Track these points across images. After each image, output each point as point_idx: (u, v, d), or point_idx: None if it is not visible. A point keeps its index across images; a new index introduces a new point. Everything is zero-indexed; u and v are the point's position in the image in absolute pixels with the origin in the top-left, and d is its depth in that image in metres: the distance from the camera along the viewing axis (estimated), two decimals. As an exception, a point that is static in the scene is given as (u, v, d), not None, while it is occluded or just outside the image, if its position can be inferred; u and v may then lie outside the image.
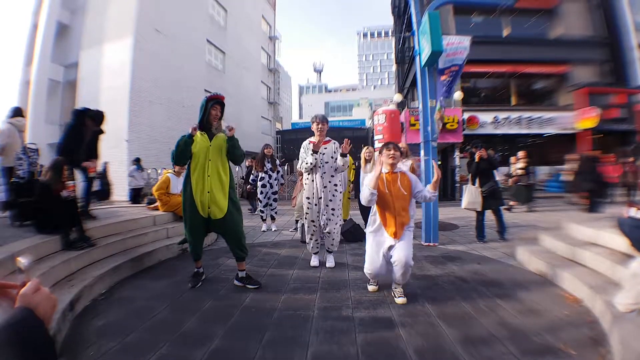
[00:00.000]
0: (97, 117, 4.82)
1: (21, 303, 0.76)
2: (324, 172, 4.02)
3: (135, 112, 15.08)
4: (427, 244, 5.36)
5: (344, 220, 6.57)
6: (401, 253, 2.93)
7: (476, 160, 5.49)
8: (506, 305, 2.87)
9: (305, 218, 4.19)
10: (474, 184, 5.61)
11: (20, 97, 17.40)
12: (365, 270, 3.24)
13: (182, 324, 2.62)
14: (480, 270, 3.96)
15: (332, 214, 4.06)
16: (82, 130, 4.65)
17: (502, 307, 2.85)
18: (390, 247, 3.03)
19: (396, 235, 3.02)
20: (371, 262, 3.14)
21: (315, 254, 4.32)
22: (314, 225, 4.14)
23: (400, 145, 5.90)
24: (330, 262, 4.23)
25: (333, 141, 4.13)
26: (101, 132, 4.97)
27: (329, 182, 4.04)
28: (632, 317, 2.22)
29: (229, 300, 3.13)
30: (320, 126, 4.02)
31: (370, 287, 3.37)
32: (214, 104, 3.37)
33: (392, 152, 3.16)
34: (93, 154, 4.89)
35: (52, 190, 3.69)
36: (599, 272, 3.17)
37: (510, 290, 3.26)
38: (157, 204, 5.87)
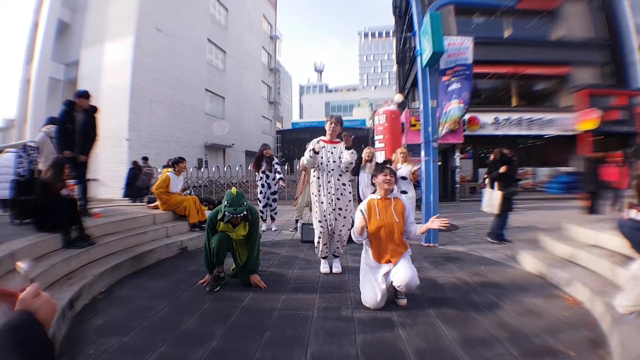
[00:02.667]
0: (83, 94, 4.91)
1: (21, 307, 0.75)
2: (332, 170, 3.93)
3: (135, 111, 15.09)
4: (427, 244, 5.36)
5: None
6: (404, 276, 2.74)
7: (501, 171, 5.47)
8: (506, 307, 2.86)
9: (314, 217, 4.06)
10: (492, 187, 5.65)
11: (20, 95, 17.39)
12: (364, 303, 2.94)
13: (182, 323, 2.62)
14: (480, 271, 3.96)
15: (339, 214, 3.92)
16: (74, 113, 4.79)
17: (501, 308, 2.84)
18: (387, 273, 2.87)
19: (391, 262, 2.90)
20: (371, 295, 2.87)
21: (324, 258, 4.05)
22: (321, 226, 3.93)
23: (399, 150, 5.95)
24: (336, 267, 4.00)
25: (343, 142, 4.00)
26: (95, 109, 5.04)
27: (338, 180, 3.94)
28: (632, 319, 2.22)
29: (229, 300, 3.13)
30: (333, 126, 3.98)
31: None
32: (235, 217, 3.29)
33: (388, 177, 3.03)
34: (92, 135, 5.00)
35: (52, 189, 3.69)
36: (599, 274, 3.17)
37: (510, 291, 3.25)
38: (157, 202, 5.87)
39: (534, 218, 8.10)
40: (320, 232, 3.96)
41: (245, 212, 3.25)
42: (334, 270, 3.96)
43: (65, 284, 3.05)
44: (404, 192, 5.59)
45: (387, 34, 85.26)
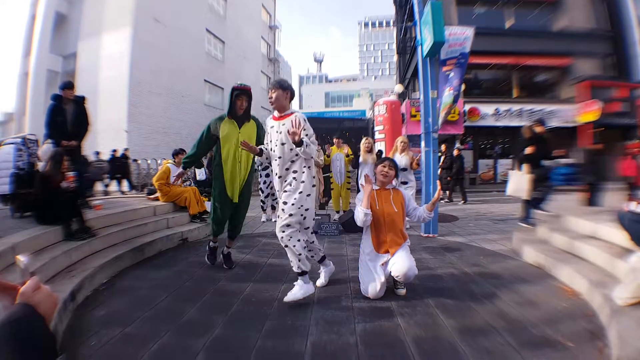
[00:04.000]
0: (67, 85, 4.95)
1: (21, 301, 0.75)
2: (279, 157, 2.88)
3: (134, 102, 15.03)
4: (426, 235, 5.38)
5: (344, 211, 6.60)
6: (402, 266, 2.75)
7: (526, 152, 5.27)
8: (504, 297, 2.88)
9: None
10: (520, 169, 5.47)
11: (19, 88, 17.30)
12: (363, 293, 2.92)
13: (183, 313, 2.64)
14: (479, 261, 3.98)
15: (282, 210, 2.83)
16: (63, 106, 4.84)
17: (500, 298, 2.86)
18: (386, 263, 2.89)
19: (389, 252, 2.91)
20: (371, 285, 2.85)
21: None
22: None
23: (399, 139, 5.92)
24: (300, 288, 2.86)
25: (295, 114, 2.88)
26: (83, 99, 5.08)
27: (286, 169, 2.89)
28: (630, 311, 2.24)
29: (229, 290, 3.15)
30: (275, 95, 2.88)
31: None
32: (238, 94, 3.39)
33: (385, 169, 3.02)
34: (85, 124, 5.05)
35: (51, 182, 3.69)
36: (598, 266, 3.18)
37: (508, 282, 3.27)
38: (158, 194, 5.87)
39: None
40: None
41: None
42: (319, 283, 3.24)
43: (67, 276, 3.06)
44: (404, 183, 5.60)
45: (388, 23, 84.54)
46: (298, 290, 2.79)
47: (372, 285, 2.87)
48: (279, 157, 2.88)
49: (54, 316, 0.81)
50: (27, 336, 0.67)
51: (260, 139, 3.50)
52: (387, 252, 2.93)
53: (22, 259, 0.81)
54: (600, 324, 2.37)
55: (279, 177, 2.93)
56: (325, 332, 2.34)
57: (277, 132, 2.90)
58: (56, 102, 4.80)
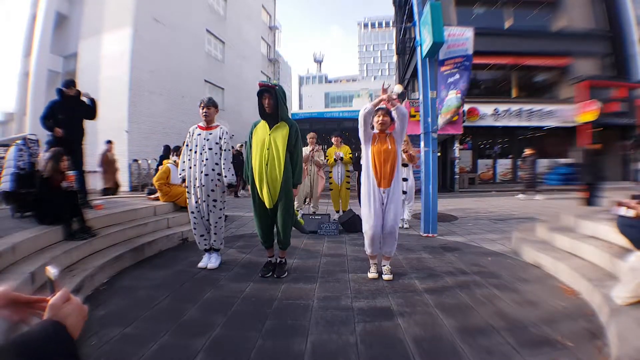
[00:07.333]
0: (68, 82, 5.02)
1: (50, 315, 0.68)
2: (206, 159, 3.68)
3: (134, 102, 15.01)
4: (425, 234, 5.38)
5: (344, 211, 6.60)
6: (388, 216, 3.27)
7: None
8: (504, 296, 2.89)
9: (189, 208, 3.86)
10: None
11: (19, 88, 17.28)
12: (366, 231, 3.34)
13: (183, 313, 2.65)
14: (478, 261, 3.98)
15: (214, 205, 3.76)
16: (65, 103, 4.91)
17: (499, 298, 2.87)
18: (382, 202, 3.30)
19: (384, 185, 3.27)
20: (374, 217, 3.26)
21: (206, 251, 3.95)
22: (194, 217, 3.81)
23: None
24: (212, 263, 3.84)
25: (220, 126, 3.82)
26: (79, 93, 5.11)
27: (212, 170, 3.70)
28: (630, 310, 2.24)
29: (229, 290, 3.15)
30: (205, 110, 3.74)
31: (371, 274, 3.43)
32: (262, 92, 3.31)
33: (381, 118, 3.33)
34: (90, 114, 5.19)
35: (52, 181, 3.69)
36: (597, 265, 3.19)
37: (507, 281, 3.28)
38: (158, 194, 5.88)
39: (532, 209, 8.13)
40: (195, 223, 3.84)
41: (277, 86, 3.31)
42: (209, 266, 3.81)
43: (67, 275, 3.06)
44: (404, 180, 5.61)
45: (387, 24, 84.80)
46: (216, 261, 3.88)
47: (377, 217, 3.27)
48: (207, 159, 3.68)
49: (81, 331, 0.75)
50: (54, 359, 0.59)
51: (294, 141, 3.40)
52: (386, 187, 3.28)
53: (51, 270, 0.78)
54: (600, 323, 2.38)
55: (206, 174, 3.68)
56: (325, 332, 2.35)
57: (205, 139, 3.72)
58: (60, 97, 4.88)
